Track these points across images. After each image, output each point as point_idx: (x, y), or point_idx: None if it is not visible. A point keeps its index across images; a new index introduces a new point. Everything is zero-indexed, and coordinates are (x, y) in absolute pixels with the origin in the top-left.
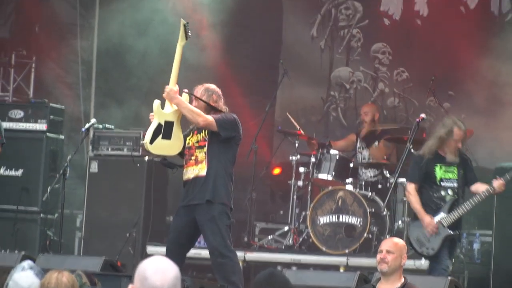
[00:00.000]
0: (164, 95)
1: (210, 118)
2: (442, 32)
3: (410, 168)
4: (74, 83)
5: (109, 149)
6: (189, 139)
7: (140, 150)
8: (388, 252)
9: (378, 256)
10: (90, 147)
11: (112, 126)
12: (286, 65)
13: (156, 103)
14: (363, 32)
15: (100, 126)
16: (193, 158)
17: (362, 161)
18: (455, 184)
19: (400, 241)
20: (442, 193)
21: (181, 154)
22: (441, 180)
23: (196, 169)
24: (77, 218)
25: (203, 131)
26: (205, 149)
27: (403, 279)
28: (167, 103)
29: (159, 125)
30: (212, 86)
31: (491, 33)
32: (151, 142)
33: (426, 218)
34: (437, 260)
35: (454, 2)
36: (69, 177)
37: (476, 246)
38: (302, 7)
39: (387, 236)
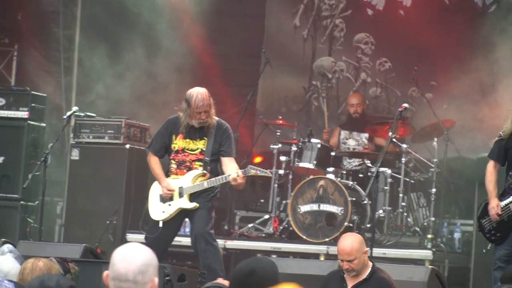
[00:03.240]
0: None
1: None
2: (425, 23)
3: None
4: (56, 71)
5: (90, 137)
6: (175, 143)
7: (121, 138)
8: (349, 261)
9: (341, 264)
10: (71, 135)
11: (94, 114)
12: (269, 54)
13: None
14: (346, 22)
15: (82, 114)
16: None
17: (346, 150)
18: None
19: (354, 242)
20: None
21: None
22: None
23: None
24: (58, 205)
25: (199, 141)
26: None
27: (370, 267)
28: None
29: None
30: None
31: (475, 24)
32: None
33: (491, 201)
34: (503, 247)
35: None
36: (50, 164)
37: (457, 235)
38: None
39: (367, 226)
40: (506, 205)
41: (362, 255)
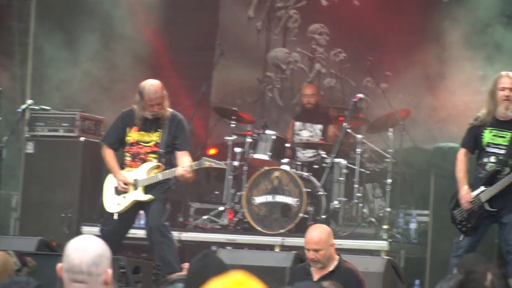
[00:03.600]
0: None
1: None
2: (380, 14)
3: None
4: (11, 65)
5: (45, 130)
6: (130, 136)
7: (76, 131)
8: (315, 251)
9: (308, 254)
10: (26, 128)
11: (49, 108)
12: (223, 46)
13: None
14: (300, 13)
15: (37, 107)
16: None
17: (300, 141)
18: (503, 152)
19: (323, 233)
20: (485, 160)
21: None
22: (488, 145)
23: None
24: (13, 198)
25: (153, 133)
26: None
27: (336, 259)
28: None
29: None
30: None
31: (429, 15)
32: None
33: (461, 189)
34: (477, 238)
35: None
36: (5, 158)
37: (413, 226)
38: None
39: (322, 217)
40: (476, 195)
41: (329, 247)
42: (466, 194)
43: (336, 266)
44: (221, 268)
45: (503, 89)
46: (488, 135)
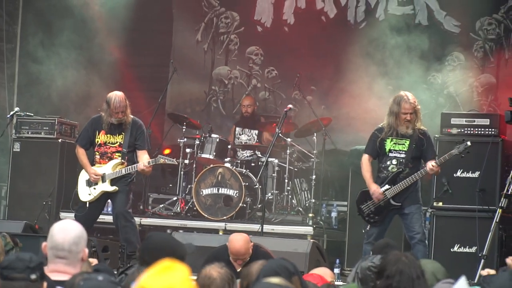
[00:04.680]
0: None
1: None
2: (306, 37)
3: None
4: (0, 79)
5: (29, 132)
6: (99, 138)
7: (55, 134)
8: (243, 259)
9: (235, 262)
10: (14, 131)
11: (32, 114)
12: (176, 64)
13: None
14: (239, 37)
15: (22, 114)
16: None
17: (240, 143)
18: (403, 155)
19: (245, 244)
20: (388, 163)
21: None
22: (390, 151)
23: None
24: (3, 189)
25: (118, 136)
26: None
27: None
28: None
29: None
30: (123, 95)
31: (348, 38)
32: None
33: (371, 186)
34: (384, 227)
35: (315, 12)
36: None
37: (333, 214)
38: (188, 16)
39: (258, 206)
40: (383, 191)
41: (250, 249)
42: (377, 189)
43: (253, 252)
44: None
45: (405, 113)
46: (389, 144)
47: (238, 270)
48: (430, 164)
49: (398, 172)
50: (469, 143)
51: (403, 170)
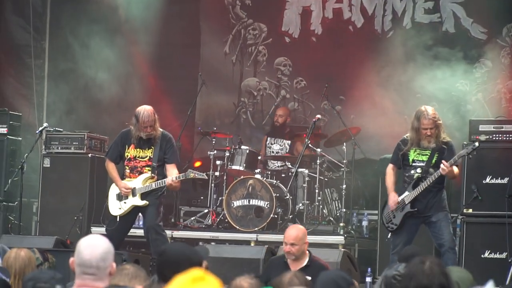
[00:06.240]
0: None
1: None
2: (334, 47)
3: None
4: (29, 95)
5: (59, 148)
6: (128, 152)
7: (84, 149)
8: (292, 245)
9: (285, 247)
10: (43, 147)
11: (61, 129)
12: (204, 77)
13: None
14: (267, 48)
15: (51, 129)
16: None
17: (271, 154)
18: (424, 165)
19: (299, 232)
20: (412, 172)
21: (117, 160)
22: (413, 161)
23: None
24: (34, 205)
25: (147, 150)
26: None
27: (307, 255)
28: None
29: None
30: (152, 109)
31: (375, 47)
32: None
33: (389, 194)
34: (400, 234)
35: (343, 22)
36: (26, 171)
37: (364, 223)
38: (216, 29)
39: (290, 217)
40: (402, 199)
41: (303, 244)
42: (393, 197)
43: (309, 261)
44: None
45: (425, 129)
46: (413, 154)
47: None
48: (442, 165)
49: (418, 179)
50: (477, 144)
51: (424, 177)
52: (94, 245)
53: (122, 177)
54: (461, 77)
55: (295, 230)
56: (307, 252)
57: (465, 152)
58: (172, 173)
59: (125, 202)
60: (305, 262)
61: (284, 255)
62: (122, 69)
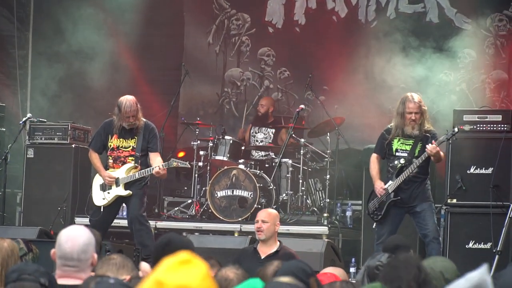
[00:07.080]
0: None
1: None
2: (317, 37)
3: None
4: (13, 85)
5: (43, 138)
6: (111, 142)
7: (68, 139)
8: (263, 221)
9: (255, 225)
10: (27, 137)
11: (45, 120)
12: (188, 67)
13: None
14: (251, 39)
15: (35, 120)
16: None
17: (256, 142)
18: (407, 154)
19: (272, 211)
20: (396, 162)
21: (100, 150)
22: (397, 150)
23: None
24: (17, 195)
25: (130, 140)
26: (135, 159)
27: (278, 243)
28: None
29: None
30: (134, 99)
31: (359, 37)
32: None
33: (375, 182)
34: (384, 224)
35: (326, 12)
36: (10, 162)
37: (348, 213)
38: (199, 19)
39: (273, 207)
40: (386, 188)
41: (274, 225)
42: (380, 183)
43: (279, 248)
44: (181, 244)
45: (410, 113)
46: (396, 143)
47: (263, 257)
48: (428, 145)
49: (401, 167)
50: (456, 129)
51: (407, 166)
52: (74, 237)
53: (106, 167)
54: (445, 67)
55: (268, 210)
56: (278, 241)
57: (445, 138)
58: (156, 161)
59: (108, 193)
60: (274, 248)
61: (253, 247)
62: (106, 59)
